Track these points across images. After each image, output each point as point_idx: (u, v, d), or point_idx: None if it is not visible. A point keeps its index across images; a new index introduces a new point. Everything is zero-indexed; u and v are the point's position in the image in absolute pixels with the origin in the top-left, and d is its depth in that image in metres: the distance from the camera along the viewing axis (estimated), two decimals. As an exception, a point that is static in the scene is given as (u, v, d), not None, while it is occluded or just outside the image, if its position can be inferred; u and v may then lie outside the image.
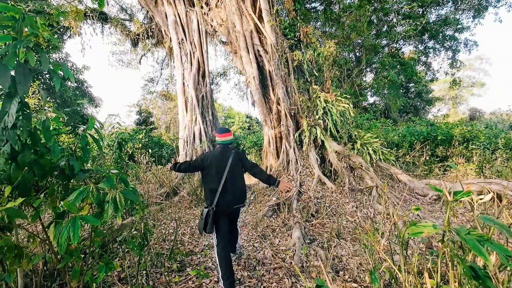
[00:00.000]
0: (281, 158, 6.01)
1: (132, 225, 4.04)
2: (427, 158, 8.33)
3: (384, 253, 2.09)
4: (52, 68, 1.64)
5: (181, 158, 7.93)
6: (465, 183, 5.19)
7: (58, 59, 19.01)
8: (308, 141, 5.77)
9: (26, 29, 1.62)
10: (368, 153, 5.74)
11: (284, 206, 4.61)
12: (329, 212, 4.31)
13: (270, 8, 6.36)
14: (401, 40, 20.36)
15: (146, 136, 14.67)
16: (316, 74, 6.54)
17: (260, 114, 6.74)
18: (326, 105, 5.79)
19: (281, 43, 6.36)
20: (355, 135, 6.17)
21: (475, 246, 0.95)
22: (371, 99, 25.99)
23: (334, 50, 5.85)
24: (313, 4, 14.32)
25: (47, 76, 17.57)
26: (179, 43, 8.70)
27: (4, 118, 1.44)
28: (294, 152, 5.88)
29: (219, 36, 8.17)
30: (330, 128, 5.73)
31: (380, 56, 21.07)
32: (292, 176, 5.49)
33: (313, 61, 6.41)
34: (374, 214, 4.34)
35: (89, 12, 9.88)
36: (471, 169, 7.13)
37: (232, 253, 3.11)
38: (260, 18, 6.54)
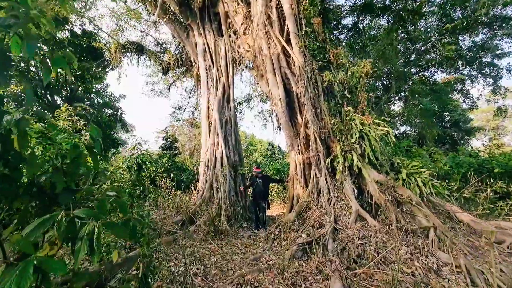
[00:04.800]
0: (311, 187, 5.29)
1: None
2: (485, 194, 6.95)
3: None
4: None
5: (201, 183, 7.51)
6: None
7: (99, 89, 21.02)
8: (342, 168, 5.04)
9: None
10: (417, 185, 4.80)
11: (317, 246, 3.80)
12: (376, 258, 3.41)
13: (298, 31, 6.23)
14: (433, 68, 19.49)
15: (169, 160, 14.77)
16: (348, 96, 6.02)
17: (286, 138, 6.23)
18: (363, 128, 5.13)
19: (309, 64, 6.07)
20: (397, 163, 5.32)
21: None
22: (401, 128, 24.50)
23: (370, 69, 5.36)
24: (340, 36, 14.48)
25: (87, 103, 19.27)
26: (206, 69, 8.90)
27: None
28: (326, 181, 5.14)
29: (245, 62, 8.21)
30: (368, 154, 4.98)
31: (410, 83, 20.22)
32: (324, 208, 4.69)
33: (345, 82, 5.95)
34: (437, 265, 3.34)
35: (128, 45, 10.79)
36: (551, 210, 5.69)
37: (262, 227, 5.97)
38: (288, 41, 6.41)
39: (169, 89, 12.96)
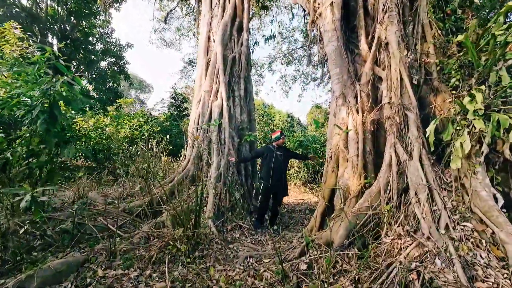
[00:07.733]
0: (382, 178, 2.55)
1: None
2: None
3: None
4: None
5: (188, 151, 5.03)
6: None
7: (104, 34, 18.55)
8: (471, 147, 2.20)
9: None
10: None
11: None
12: None
13: None
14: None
15: (169, 119, 12.48)
16: (478, 1, 2.89)
17: (335, 83, 3.35)
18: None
19: None
20: None
21: None
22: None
23: None
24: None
25: (90, 48, 16.94)
26: (212, -20, 5.84)
27: None
28: (423, 171, 2.36)
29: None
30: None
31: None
32: (427, 238, 2.00)
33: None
34: None
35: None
36: None
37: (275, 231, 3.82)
38: None
39: (165, 21, 10.02)
